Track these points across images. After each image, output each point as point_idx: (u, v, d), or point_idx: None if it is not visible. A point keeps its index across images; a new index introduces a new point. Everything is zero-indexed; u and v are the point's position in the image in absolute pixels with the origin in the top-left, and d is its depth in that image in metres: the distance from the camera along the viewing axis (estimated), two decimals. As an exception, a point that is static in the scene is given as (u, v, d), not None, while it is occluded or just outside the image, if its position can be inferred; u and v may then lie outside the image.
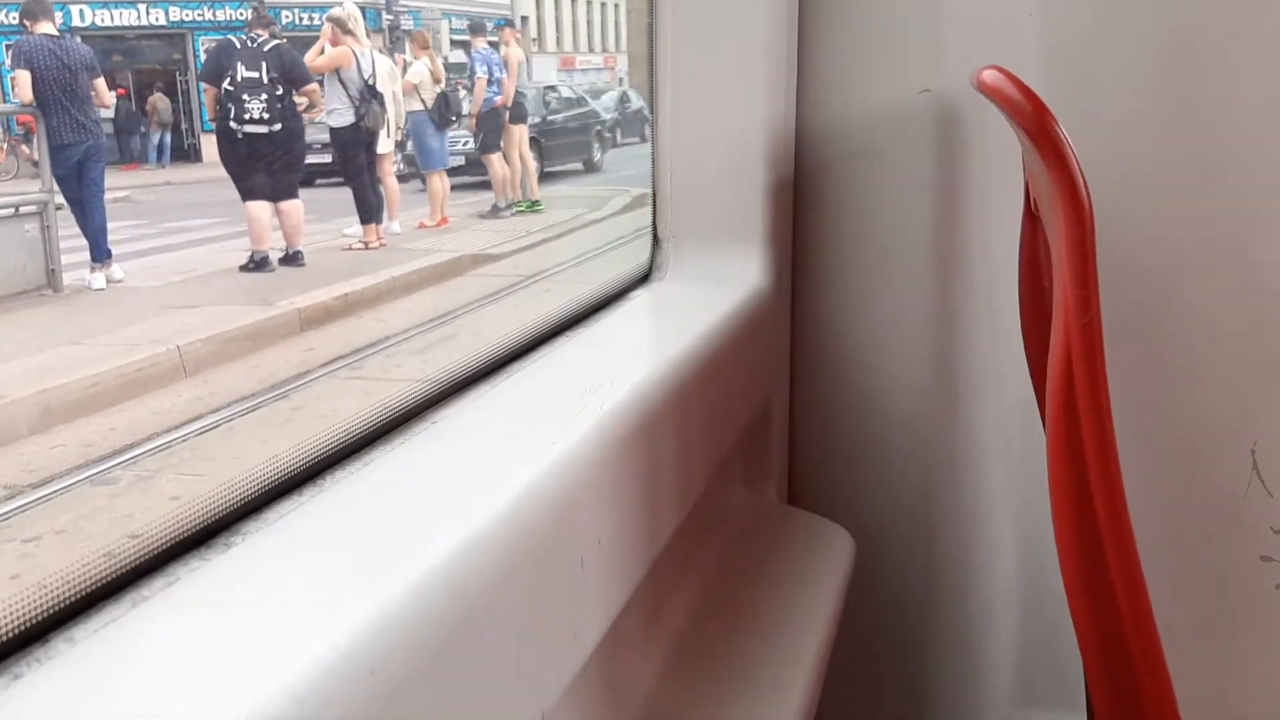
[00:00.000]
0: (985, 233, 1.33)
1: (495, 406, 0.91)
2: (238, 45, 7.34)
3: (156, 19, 18.05)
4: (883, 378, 1.40)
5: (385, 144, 8.40)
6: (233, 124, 7.23)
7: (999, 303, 1.31)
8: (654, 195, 1.34)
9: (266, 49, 7.35)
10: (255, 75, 7.31)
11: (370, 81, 7.94)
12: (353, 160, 8.17)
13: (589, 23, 31.24)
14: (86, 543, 3.14)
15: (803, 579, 1.24)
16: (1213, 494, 1.29)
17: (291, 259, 7.40)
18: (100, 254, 6.74)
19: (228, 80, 7.23)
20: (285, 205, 7.32)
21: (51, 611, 0.55)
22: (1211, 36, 1.21)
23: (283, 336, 5.66)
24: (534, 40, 29.14)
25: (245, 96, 7.24)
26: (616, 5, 31.66)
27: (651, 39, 1.30)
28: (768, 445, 1.38)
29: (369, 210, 8.24)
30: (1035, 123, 0.76)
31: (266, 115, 7.36)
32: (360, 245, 8.24)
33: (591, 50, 31.14)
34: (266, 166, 7.32)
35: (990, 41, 1.27)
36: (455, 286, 7.23)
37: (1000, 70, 0.78)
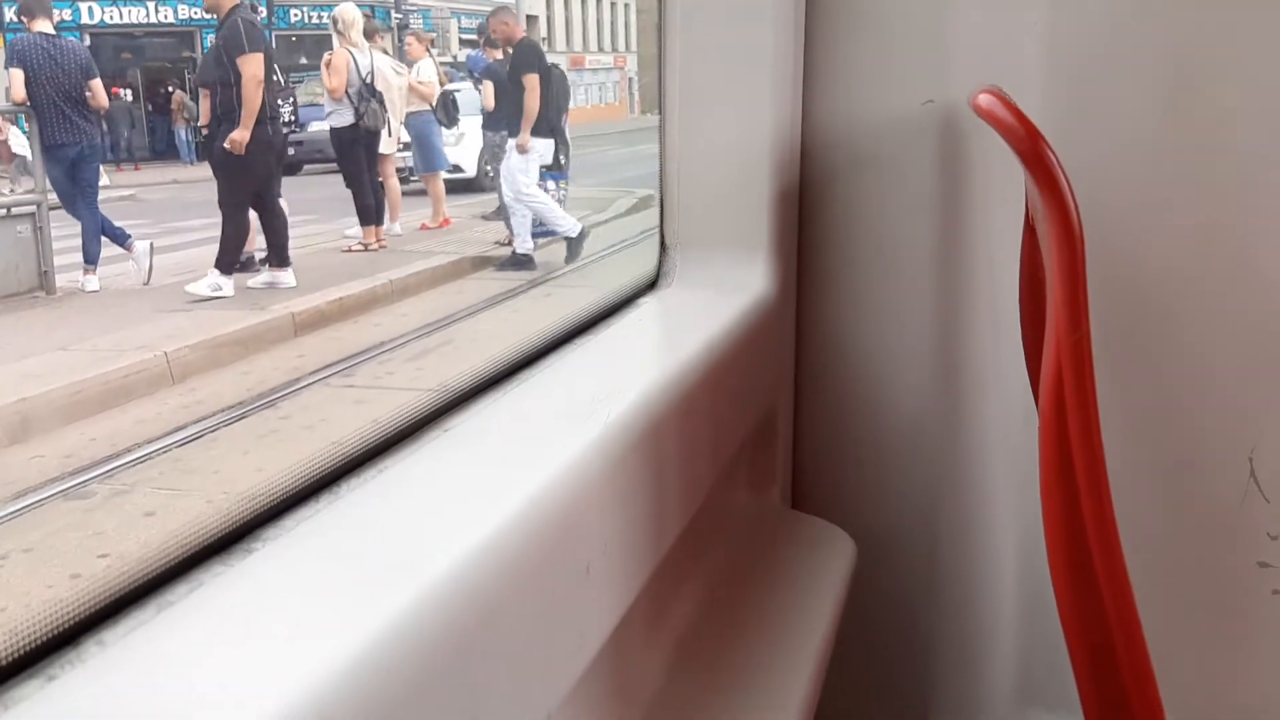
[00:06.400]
0: (988, 242, 1.34)
1: (506, 414, 0.92)
2: None
3: (165, 17, 18.06)
4: (886, 384, 1.41)
5: (387, 144, 8.26)
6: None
7: (1001, 311, 1.32)
8: (661, 203, 1.35)
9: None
10: (274, 78, 7.19)
11: (368, 80, 7.81)
12: (352, 161, 8.04)
13: (599, 22, 31.16)
14: (53, 563, 3.02)
15: (804, 582, 1.24)
16: (1211, 500, 1.30)
17: None
18: (93, 256, 6.64)
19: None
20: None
21: (82, 615, 0.56)
22: (1213, 52, 1.22)
23: (274, 342, 5.53)
24: (544, 39, 29.09)
25: (279, 101, 7.11)
26: (627, 5, 31.58)
27: (660, 49, 1.31)
28: (772, 450, 1.39)
29: (369, 211, 8.12)
30: (1028, 147, 0.77)
31: (293, 117, 7.26)
32: (360, 247, 8.12)
33: (601, 50, 31.08)
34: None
35: (993, 55, 1.29)
36: (455, 290, 7.09)
37: (995, 94, 0.78)
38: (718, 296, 1.27)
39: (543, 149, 7.51)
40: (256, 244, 7.13)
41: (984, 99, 0.79)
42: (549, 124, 7.52)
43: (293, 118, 7.17)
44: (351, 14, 7.80)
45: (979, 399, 1.39)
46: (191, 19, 18.04)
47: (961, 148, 1.33)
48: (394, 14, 18.78)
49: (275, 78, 7.13)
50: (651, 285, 1.34)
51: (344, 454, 0.78)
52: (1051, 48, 1.26)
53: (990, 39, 1.29)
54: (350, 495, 0.74)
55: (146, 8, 17.87)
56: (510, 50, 7.62)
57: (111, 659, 0.54)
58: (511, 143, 7.52)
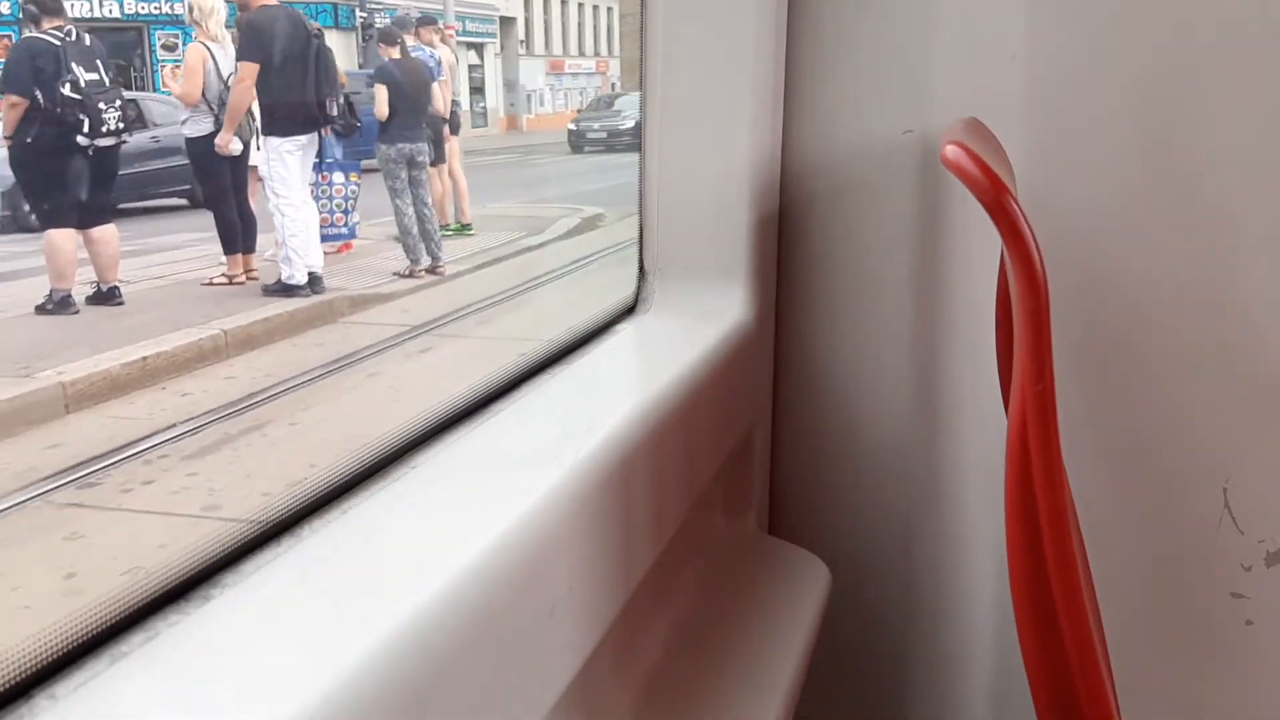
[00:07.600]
0: (967, 270, 1.35)
1: (474, 451, 0.91)
2: (57, 42, 5.88)
3: (110, 11, 17.35)
4: (864, 410, 1.42)
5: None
6: (83, 138, 5.83)
7: (979, 339, 1.33)
8: (640, 228, 1.36)
9: (88, 44, 5.93)
10: (97, 78, 5.91)
11: (230, 83, 6.48)
12: (212, 177, 6.71)
13: (580, 25, 30.61)
14: None
15: (777, 611, 1.25)
16: (1185, 531, 1.32)
17: (106, 296, 5.94)
18: None
19: (67, 86, 5.81)
20: (99, 232, 5.87)
21: (34, 668, 0.56)
22: (1192, 79, 1.24)
23: (30, 423, 4.19)
24: (521, 42, 28.24)
25: (101, 105, 5.85)
26: (610, 8, 30.99)
27: (641, 77, 1.34)
28: (749, 476, 1.40)
29: (233, 236, 6.78)
30: (992, 199, 0.78)
31: (121, 125, 5.98)
32: (224, 279, 6.80)
33: (583, 54, 30.56)
34: (91, 186, 5.90)
35: (973, 84, 1.31)
36: (314, 341, 5.75)
37: (961, 146, 0.80)
38: (696, 323, 1.28)
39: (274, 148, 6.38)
40: (74, 277, 5.82)
41: (951, 151, 0.79)
42: (305, 115, 6.36)
43: (120, 125, 5.86)
44: (209, 1, 6.47)
45: (956, 426, 1.39)
46: (139, 14, 17.21)
47: (941, 177, 1.32)
48: (359, 12, 17.79)
49: (98, 76, 5.83)
50: (629, 311, 1.34)
51: (307, 494, 0.76)
52: (1031, 77, 1.28)
53: (970, 69, 1.31)
54: (312, 538, 0.73)
55: (91, 2, 17.01)
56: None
57: (63, 713, 0.54)
58: None
